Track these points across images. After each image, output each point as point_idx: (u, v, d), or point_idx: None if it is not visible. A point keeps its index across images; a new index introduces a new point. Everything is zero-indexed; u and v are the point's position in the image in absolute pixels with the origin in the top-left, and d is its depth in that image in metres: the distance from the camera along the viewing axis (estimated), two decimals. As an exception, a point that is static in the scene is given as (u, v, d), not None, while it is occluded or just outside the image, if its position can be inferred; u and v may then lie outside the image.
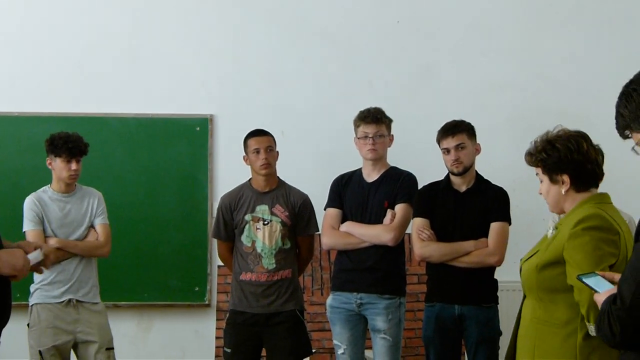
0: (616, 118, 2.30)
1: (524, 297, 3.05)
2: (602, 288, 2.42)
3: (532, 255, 3.00)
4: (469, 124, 4.45)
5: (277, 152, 4.67)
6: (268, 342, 4.59)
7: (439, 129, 4.49)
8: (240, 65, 5.99)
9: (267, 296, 4.55)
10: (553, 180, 2.97)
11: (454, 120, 4.47)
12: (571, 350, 2.79)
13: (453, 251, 4.33)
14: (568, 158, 2.92)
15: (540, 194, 3.05)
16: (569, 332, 2.83)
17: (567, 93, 6.00)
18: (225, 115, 5.93)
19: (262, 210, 4.60)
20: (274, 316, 4.56)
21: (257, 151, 4.55)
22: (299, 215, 4.63)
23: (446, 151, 4.41)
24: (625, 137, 2.31)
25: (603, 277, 2.50)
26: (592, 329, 2.70)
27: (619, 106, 2.29)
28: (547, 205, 3.06)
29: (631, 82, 2.28)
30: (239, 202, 4.62)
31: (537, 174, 3.03)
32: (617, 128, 2.31)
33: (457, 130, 4.39)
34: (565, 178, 2.94)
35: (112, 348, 4.85)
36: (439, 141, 4.45)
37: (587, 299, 2.67)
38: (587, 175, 2.94)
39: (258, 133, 4.64)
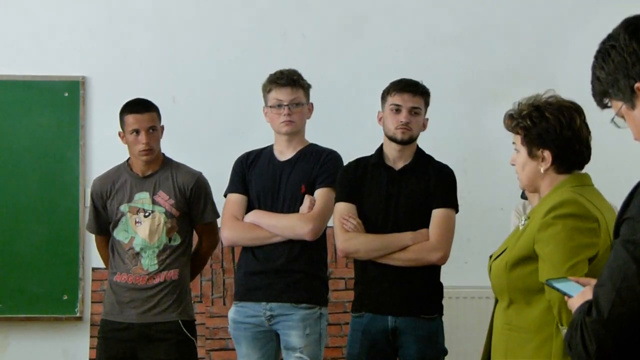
0: (592, 83, 2.24)
1: (496, 301, 3.06)
2: (576, 292, 2.34)
3: (501, 253, 3.00)
4: (429, 91, 4.30)
5: (162, 126, 4.43)
6: None
7: (380, 90, 4.24)
8: (119, 14, 5.72)
9: (144, 302, 4.36)
10: (532, 155, 2.98)
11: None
12: (546, 359, 2.82)
13: (385, 245, 4.14)
14: (556, 133, 2.94)
15: (513, 165, 3.05)
16: (545, 338, 2.86)
17: (533, 50, 5.76)
18: (101, 77, 5.69)
19: (142, 199, 4.40)
20: (150, 328, 4.34)
21: (136, 132, 4.33)
22: (191, 200, 4.43)
23: (396, 109, 4.17)
24: (603, 106, 2.24)
25: (577, 282, 2.42)
26: (565, 332, 2.62)
27: (594, 67, 2.22)
28: (519, 181, 3.06)
29: (609, 37, 2.19)
30: (114, 188, 4.46)
31: (513, 142, 3.03)
32: (594, 95, 2.24)
33: (419, 92, 4.21)
34: (547, 155, 2.95)
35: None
36: (388, 94, 4.22)
37: (558, 297, 2.71)
38: (572, 156, 2.96)
39: (137, 108, 4.40)
